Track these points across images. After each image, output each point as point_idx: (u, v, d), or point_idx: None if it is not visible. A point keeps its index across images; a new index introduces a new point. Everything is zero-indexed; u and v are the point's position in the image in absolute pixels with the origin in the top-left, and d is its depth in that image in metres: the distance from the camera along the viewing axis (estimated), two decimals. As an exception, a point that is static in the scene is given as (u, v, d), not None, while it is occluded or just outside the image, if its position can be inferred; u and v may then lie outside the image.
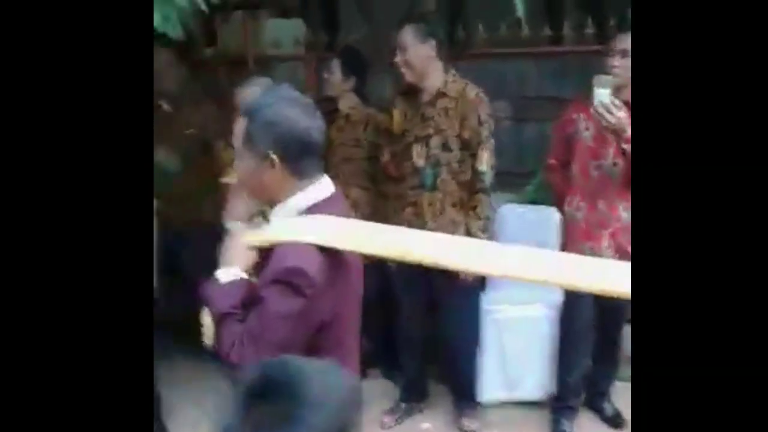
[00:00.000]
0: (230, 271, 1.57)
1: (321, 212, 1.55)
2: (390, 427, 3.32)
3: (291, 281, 1.45)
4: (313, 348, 1.49)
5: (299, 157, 1.55)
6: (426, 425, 3.35)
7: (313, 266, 1.47)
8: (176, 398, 3.40)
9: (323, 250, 1.49)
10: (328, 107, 3.53)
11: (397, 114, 3.13)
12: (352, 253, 1.58)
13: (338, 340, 1.57)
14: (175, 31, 2.20)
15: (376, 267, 3.17)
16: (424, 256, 1.54)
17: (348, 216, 1.62)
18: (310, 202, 1.57)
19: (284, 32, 4.41)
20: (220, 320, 1.52)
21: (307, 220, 1.54)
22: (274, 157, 1.53)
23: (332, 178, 3.27)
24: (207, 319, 1.57)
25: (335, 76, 3.42)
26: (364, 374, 3.67)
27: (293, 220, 1.55)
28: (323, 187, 1.60)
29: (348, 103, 3.45)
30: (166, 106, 3.57)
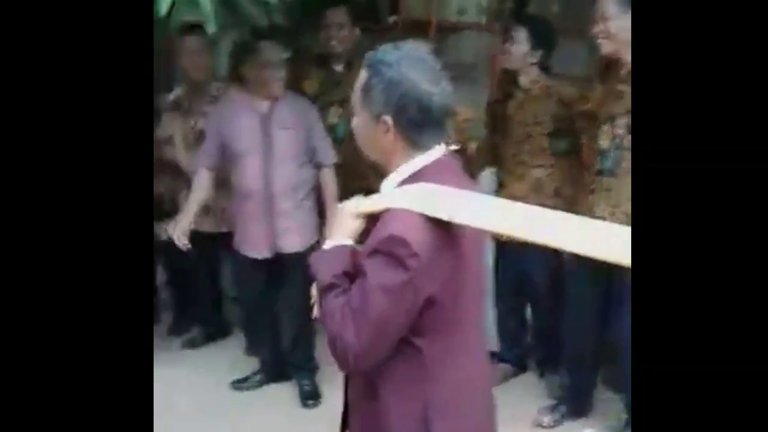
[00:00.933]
0: (335, 240, 1.49)
1: (427, 179, 1.42)
2: (548, 427, 3.10)
3: (392, 251, 1.34)
4: (423, 328, 1.40)
5: (417, 124, 1.42)
6: (589, 431, 3.09)
7: (417, 236, 1.34)
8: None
9: (431, 220, 1.36)
10: (507, 81, 3.32)
11: (598, 92, 2.86)
12: (469, 226, 1.43)
13: (451, 321, 1.44)
14: (356, -9, 2.09)
15: (548, 254, 2.95)
16: (523, 232, 1.36)
17: (460, 183, 1.48)
18: (415, 168, 1.45)
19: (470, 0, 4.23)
20: (322, 291, 1.44)
21: (414, 187, 1.41)
22: (389, 119, 1.41)
23: (512, 156, 3.19)
24: (314, 290, 1.50)
25: (520, 48, 3.18)
26: (522, 368, 3.51)
27: (402, 188, 1.44)
28: (433, 153, 1.46)
29: (530, 77, 3.21)
30: (337, 67, 3.53)
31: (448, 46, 3.87)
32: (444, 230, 1.37)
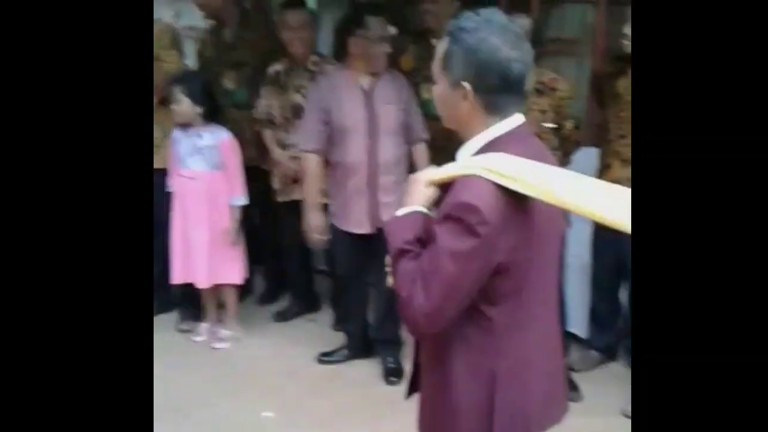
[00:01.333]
0: (408, 207, 1.51)
1: (503, 148, 1.42)
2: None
3: (463, 218, 1.35)
4: (492, 296, 1.43)
5: (495, 90, 1.42)
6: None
7: (488, 204, 1.35)
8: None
9: (504, 189, 1.36)
10: (619, 58, 3.14)
11: None
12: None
13: (520, 290, 1.46)
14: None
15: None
16: (589, 210, 1.34)
17: (537, 153, 1.47)
18: (492, 136, 1.45)
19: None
20: (395, 256, 1.47)
21: (488, 156, 1.42)
22: (467, 86, 1.42)
23: (619, 138, 3.01)
24: (389, 259, 1.53)
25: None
26: (611, 357, 3.37)
27: (476, 157, 1.45)
28: (510, 122, 1.46)
29: None
30: (434, 42, 3.47)
31: (551, 20, 3.73)
32: (516, 200, 1.37)
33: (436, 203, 1.50)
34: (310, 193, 3.21)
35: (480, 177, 1.37)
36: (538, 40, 3.01)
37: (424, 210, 1.50)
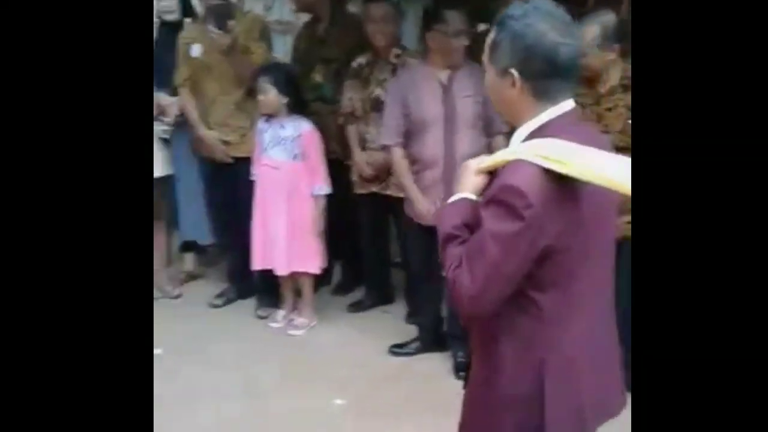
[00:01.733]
0: (458, 194, 1.53)
1: (552, 133, 1.41)
2: None
3: (507, 201, 1.35)
4: (540, 282, 1.41)
5: (543, 77, 1.42)
6: None
7: (534, 187, 1.34)
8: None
9: (550, 173, 1.35)
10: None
11: None
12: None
13: (569, 276, 1.43)
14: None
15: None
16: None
17: (588, 138, 1.45)
18: (541, 122, 1.44)
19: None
20: (443, 241, 1.49)
21: (535, 141, 1.41)
22: (514, 73, 1.42)
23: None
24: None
25: None
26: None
27: (524, 143, 1.45)
28: (559, 107, 1.45)
29: None
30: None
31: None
32: (563, 184, 1.37)
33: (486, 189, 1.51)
34: (407, 184, 3.22)
35: (527, 161, 1.37)
36: (626, 35, 2.91)
37: (473, 197, 1.50)
